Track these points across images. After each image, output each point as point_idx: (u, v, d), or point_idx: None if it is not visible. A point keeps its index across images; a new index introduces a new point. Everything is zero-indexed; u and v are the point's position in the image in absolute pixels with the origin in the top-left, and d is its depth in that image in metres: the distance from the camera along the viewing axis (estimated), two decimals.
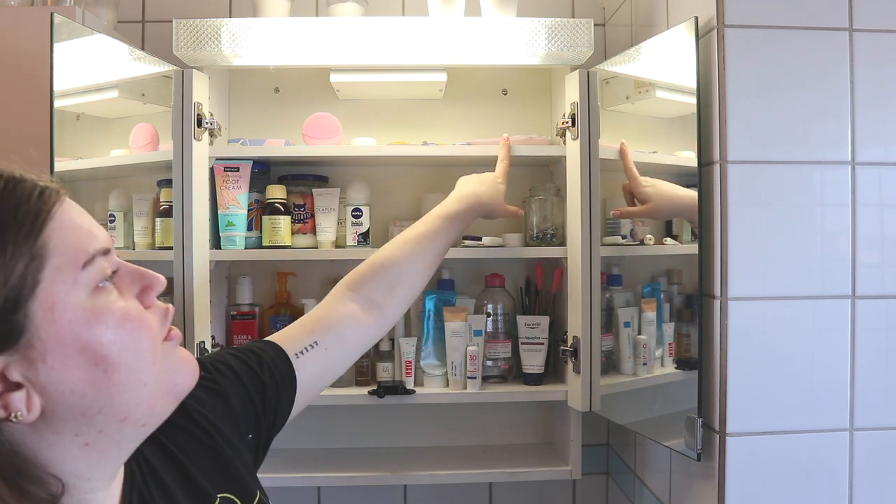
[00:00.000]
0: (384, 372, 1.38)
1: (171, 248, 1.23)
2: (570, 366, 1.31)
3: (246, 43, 1.24)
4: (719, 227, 0.94)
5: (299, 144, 1.37)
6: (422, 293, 1.41)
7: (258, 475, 0.73)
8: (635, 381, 1.24)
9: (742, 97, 0.94)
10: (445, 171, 1.41)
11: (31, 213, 0.47)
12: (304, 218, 1.39)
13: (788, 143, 0.94)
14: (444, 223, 1.03)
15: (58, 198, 0.50)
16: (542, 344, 1.38)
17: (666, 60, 1.09)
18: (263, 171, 1.42)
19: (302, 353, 0.81)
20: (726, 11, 0.93)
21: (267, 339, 0.82)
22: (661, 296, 1.22)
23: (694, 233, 1.01)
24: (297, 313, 1.42)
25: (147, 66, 1.25)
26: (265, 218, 1.36)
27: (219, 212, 1.33)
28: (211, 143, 1.30)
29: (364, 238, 1.37)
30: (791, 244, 0.94)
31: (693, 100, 0.98)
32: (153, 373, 0.52)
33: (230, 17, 1.50)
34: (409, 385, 1.36)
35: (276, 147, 1.36)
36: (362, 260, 0.99)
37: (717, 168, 0.95)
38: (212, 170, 1.32)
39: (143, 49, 1.42)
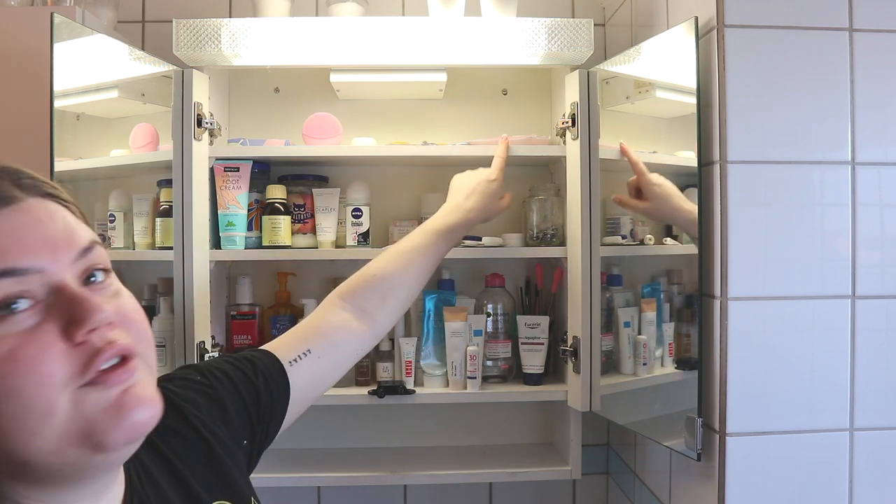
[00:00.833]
0: (384, 372, 1.38)
1: (171, 248, 1.23)
2: (570, 366, 1.31)
3: (246, 43, 1.24)
4: (719, 228, 0.94)
5: (299, 144, 1.37)
6: (422, 293, 1.42)
7: (253, 478, 0.73)
8: (635, 381, 1.24)
9: (742, 97, 0.94)
10: (445, 171, 1.41)
11: None
12: (304, 218, 1.39)
13: (788, 143, 0.94)
14: (435, 238, 1.03)
15: (12, 200, 0.46)
16: (542, 344, 1.38)
17: (666, 60, 1.09)
18: (263, 171, 1.42)
19: (295, 360, 0.81)
20: (726, 11, 0.93)
21: (261, 347, 0.83)
22: (661, 296, 1.22)
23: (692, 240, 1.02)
24: (297, 313, 1.42)
25: (147, 66, 1.25)
26: (265, 218, 1.36)
27: (219, 212, 1.33)
28: (211, 143, 1.30)
29: (364, 238, 1.37)
30: (791, 244, 0.94)
31: (693, 100, 0.98)
32: (50, 423, 0.44)
33: (230, 17, 1.50)
34: (409, 385, 1.36)
35: (276, 147, 1.36)
36: (362, 260, 1.00)
37: (717, 168, 0.95)
38: (212, 170, 1.32)
39: (143, 49, 1.42)
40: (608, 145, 1.23)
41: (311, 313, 0.91)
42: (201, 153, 1.26)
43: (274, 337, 0.87)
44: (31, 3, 1.29)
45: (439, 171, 1.49)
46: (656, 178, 1.13)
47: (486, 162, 1.29)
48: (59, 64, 1.04)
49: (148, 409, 0.48)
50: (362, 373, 1.38)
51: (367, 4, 1.37)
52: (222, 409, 0.70)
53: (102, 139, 1.32)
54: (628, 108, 1.24)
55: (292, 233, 1.38)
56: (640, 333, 1.25)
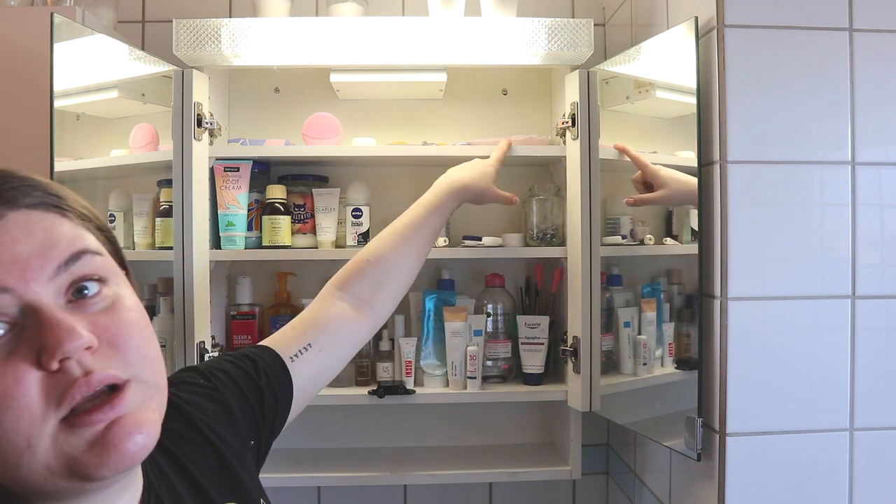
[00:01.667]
0: (384, 372, 1.38)
1: (171, 248, 1.23)
2: (570, 366, 1.31)
3: (246, 43, 1.24)
4: (719, 227, 0.94)
5: (299, 144, 1.37)
6: (422, 293, 1.42)
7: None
8: (635, 381, 1.25)
9: (742, 97, 0.94)
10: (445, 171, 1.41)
11: None
12: (304, 218, 1.39)
13: (788, 143, 0.94)
14: (427, 213, 1.02)
15: None
16: (542, 344, 1.38)
17: (666, 60, 1.09)
18: (263, 171, 1.42)
19: (296, 356, 0.80)
20: (726, 11, 0.93)
21: (261, 343, 0.82)
22: (661, 296, 1.22)
23: (694, 232, 1.01)
24: (297, 313, 1.39)
25: (147, 66, 1.25)
26: (265, 218, 1.36)
27: (219, 212, 1.33)
28: (211, 143, 1.30)
29: (364, 238, 1.37)
30: (791, 244, 0.94)
31: (693, 100, 0.98)
32: (33, 456, 0.42)
33: (230, 17, 1.50)
34: (409, 385, 1.36)
35: (276, 147, 1.36)
36: None
37: (717, 168, 0.95)
38: (212, 170, 1.32)
39: (143, 49, 1.42)
40: (608, 145, 1.23)
41: (309, 306, 0.90)
42: (201, 153, 1.26)
43: None
44: (31, 3, 1.29)
45: (439, 172, 1.48)
46: (656, 166, 1.13)
47: None
48: (59, 64, 1.04)
49: (140, 439, 0.45)
50: (362, 373, 1.38)
51: (367, 4, 1.37)
52: (227, 410, 0.70)
53: (102, 139, 1.32)
54: (628, 108, 1.24)
55: (292, 233, 1.38)
56: (640, 333, 1.25)
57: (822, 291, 0.95)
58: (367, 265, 0.94)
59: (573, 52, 1.27)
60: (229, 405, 0.70)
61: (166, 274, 1.25)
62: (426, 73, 1.37)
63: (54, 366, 0.42)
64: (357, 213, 1.37)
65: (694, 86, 0.97)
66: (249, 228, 1.36)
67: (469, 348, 1.35)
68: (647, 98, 1.17)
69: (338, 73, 1.36)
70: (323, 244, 1.38)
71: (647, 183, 1.14)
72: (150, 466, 0.58)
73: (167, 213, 1.28)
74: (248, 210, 1.35)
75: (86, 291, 0.47)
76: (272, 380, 0.76)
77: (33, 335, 0.43)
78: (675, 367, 1.16)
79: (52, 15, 1.04)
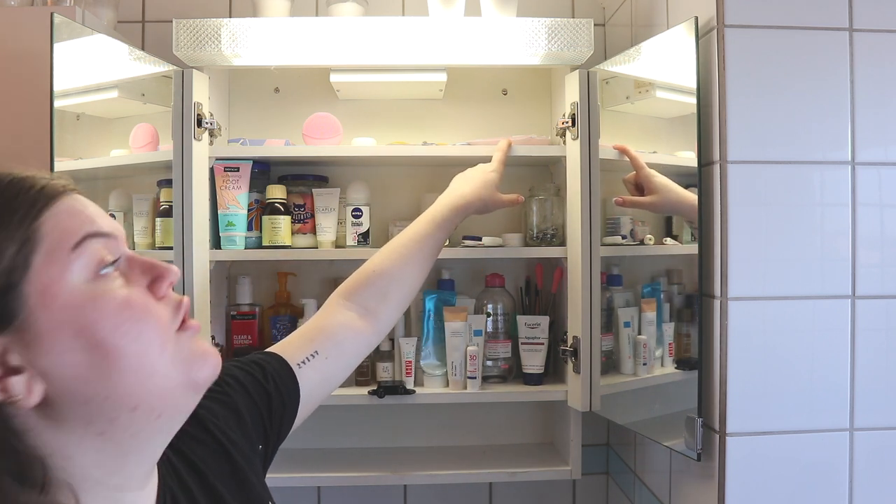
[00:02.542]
0: (384, 372, 1.38)
1: (171, 248, 1.23)
2: (570, 366, 1.31)
3: (246, 43, 1.24)
4: (719, 227, 0.94)
5: (299, 144, 1.37)
6: (422, 293, 1.42)
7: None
8: (635, 381, 1.24)
9: (742, 97, 0.94)
10: (445, 171, 1.41)
11: (27, 202, 0.49)
12: (304, 218, 1.39)
13: (788, 143, 0.94)
14: (431, 227, 1.03)
15: (63, 191, 0.51)
16: (542, 344, 1.38)
17: (666, 60, 1.09)
18: (263, 171, 1.42)
19: (304, 363, 0.81)
20: (726, 11, 0.93)
21: (268, 350, 0.83)
22: (661, 296, 1.22)
23: (694, 234, 1.01)
24: (297, 313, 1.42)
25: (147, 66, 1.25)
26: (265, 218, 1.36)
27: (219, 212, 1.33)
28: (211, 143, 1.30)
29: (364, 238, 1.37)
30: (791, 244, 0.94)
31: (693, 100, 0.98)
32: (163, 362, 0.51)
33: (230, 17, 1.50)
34: (409, 385, 1.36)
35: (276, 147, 1.36)
36: (362, 260, 0.99)
37: (717, 168, 0.95)
38: (212, 170, 1.32)
39: (143, 49, 1.42)
40: (608, 145, 1.23)
41: (315, 314, 0.92)
42: (201, 153, 1.26)
43: (274, 337, 0.87)
44: (31, 3, 1.29)
45: (439, 171, 1.49)
46: (653, 172, 1.13)
47: (485, 162, 1.29)
48: (59, 64, 1.04)
49: (214, 354, 0.56)
50: (362, 373, 1.38)
51: (367, 4, 1.37)
52: (238, 415, 0.71)
53: (102, 139, 1.32)
54: (628, 108, 1.24)
55: (292, 233, 1.38)
56: (640, 333, 1.25)
57: (822, 291, 0.95)
58: (373, 276, 0.96)
59: (573, 53, 1.27)
60: (239, 410, 0.72)
61: None
62: (426, 73, 1.37)
63: (163, 292, 0.53)
64: (357, 213, 1.37)
65: (694, 86, 0.97)
66: (249, 228, 1.36)
67: (469, 348, 1.35)
68: (647, 98, 1.17)
69: (338, 73, 1.36)
70: (323, 244, 1.38)
71: (639, 185, 1.14)
72: (165, 466, 0.60)
73: (167, 213, 1.28)
74: (248, 210, 1.35)
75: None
76: (280, 386, 0.78)
77: (139, 272, 0.53)
78: (675, 367, 1.16)
79: (52, 15, 1.04)
